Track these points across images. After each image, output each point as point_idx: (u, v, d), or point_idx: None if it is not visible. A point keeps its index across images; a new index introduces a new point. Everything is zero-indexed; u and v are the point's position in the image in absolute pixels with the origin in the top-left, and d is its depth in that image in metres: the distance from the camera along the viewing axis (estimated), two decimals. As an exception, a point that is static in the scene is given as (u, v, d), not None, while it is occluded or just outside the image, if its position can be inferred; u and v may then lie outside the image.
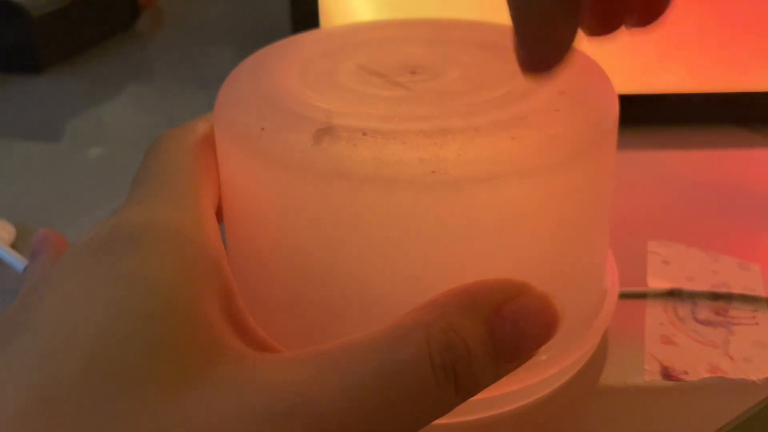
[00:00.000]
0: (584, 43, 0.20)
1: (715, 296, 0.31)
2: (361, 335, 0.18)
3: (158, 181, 0.22)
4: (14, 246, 0.35)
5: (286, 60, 0.26)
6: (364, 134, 0.21)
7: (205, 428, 0.16)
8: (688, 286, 0.31)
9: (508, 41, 0.20)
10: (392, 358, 0.17)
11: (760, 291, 0.31)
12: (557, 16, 0.18)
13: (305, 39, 0.29)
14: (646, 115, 0.44)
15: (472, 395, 0.18)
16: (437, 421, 0.18)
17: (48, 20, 0.54)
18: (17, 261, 0.33)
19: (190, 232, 0.20)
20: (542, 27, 0.19)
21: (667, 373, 0.27)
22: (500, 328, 0.18)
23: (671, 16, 0.20)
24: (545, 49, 0.19)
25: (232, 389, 0.17)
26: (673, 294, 0.31)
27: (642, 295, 0.31)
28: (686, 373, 0.27)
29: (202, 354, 0.18)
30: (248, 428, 0.16)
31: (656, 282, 0.31)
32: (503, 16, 0.20)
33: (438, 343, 0.17)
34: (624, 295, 0.30)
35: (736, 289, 0.31)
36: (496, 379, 0.19)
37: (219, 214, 0.25)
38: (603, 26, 0.20)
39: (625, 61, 0.42)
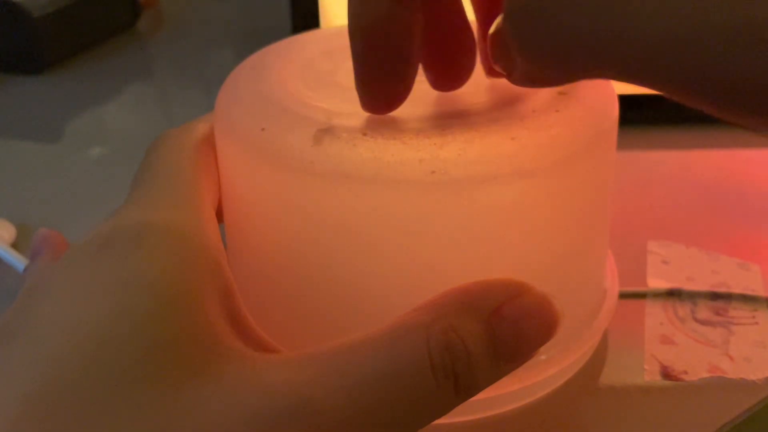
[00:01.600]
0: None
1: (714, 296, 0.31)
2: (361, 335, 0.18)
3: (158, 182, 0.22)
4: (14, 246, 0.35)
5: (286, 60, 0.26)
6: (364, 134, 0.21)
7: (205, 428, 0.16)
8: (687, 286, 0.31)
9: None
10: (392, 358, 0.17)
11: (759, 291, 0.31)
12: (391, 75, 0.21)
13: (305, 39, 0.29)
14: (646, 115, 0.44)
15: (472, 395, 0.18)
16: (437, 421, 0.18)
17: (49, 20, 0.54)
18: (17, 261, 0.33)
19: (190, 233, 0.20)
20: (379, 83, 0.22)
21: (667, 373, 0.27)
22: (500, 328, 0.18)
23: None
24: (380, 99, 0.22)
25: (232, 389, 0.17)
26: (672, 294, 0.31)
27: (642, 295, 0.31)
28: (686, 372, 0.27)
29: (202, 354, 0.18)
30: (248, 428, 0.16)
31: (656, 282, 0.31)
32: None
33: (438, 343, 0.17)
34: (624, 295, 0.30)
35: (736, 289, 0.31)
36: (495, 379, 0.19)
37: (219, 214, 0.25)
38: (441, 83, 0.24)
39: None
